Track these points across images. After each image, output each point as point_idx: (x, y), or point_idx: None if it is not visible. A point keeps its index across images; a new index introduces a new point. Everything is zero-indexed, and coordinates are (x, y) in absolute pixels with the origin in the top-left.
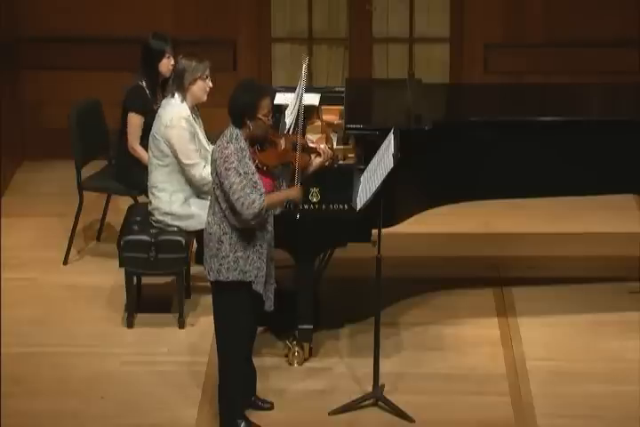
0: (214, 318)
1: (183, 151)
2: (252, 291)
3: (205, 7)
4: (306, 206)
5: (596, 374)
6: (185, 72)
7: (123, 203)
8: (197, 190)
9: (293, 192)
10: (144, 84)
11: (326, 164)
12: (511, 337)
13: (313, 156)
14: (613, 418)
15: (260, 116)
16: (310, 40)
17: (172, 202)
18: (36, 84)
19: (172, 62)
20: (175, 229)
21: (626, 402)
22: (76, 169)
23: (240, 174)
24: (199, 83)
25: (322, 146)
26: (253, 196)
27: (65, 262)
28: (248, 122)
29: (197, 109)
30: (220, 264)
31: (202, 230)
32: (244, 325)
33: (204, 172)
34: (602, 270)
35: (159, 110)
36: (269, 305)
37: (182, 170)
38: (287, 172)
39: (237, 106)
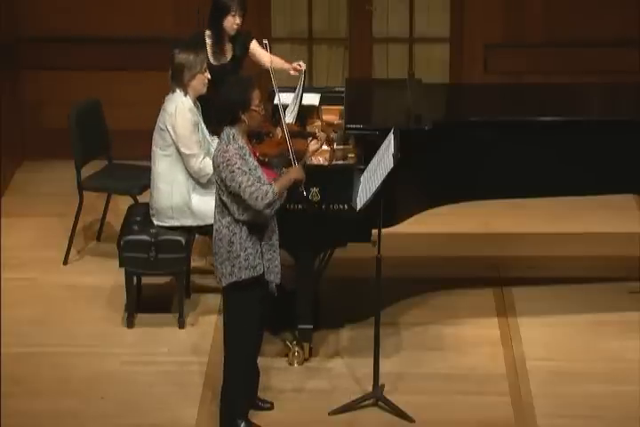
0: (225, 321)
1: (185, 141)
2: (262, 290)
3: (205, 7)
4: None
5: (596, 374)
6: (184, 68)
7: (123, 203)
8: (197, 181)
9: (295, 173)
10: (207, 33)
11: (323, 145)
12: (511, 337)
13: (309, 140)
14: (613, 418)
15: (253, 107)
16: (310, 40)
17: (173, 194)
18: (36, 84)
19: (238, 21)
20: (174, 223)
21: (626, 402)
22: (76, 169)
23: (246, 173)
24: (198, 77)
25: (315, 129)
26: (265, 187)
27: (65, 262)
28: (243, 116)
29: (198, 105)
30: (233, 265)
31: (201, 228)
32: (253, 325)
33: (202, 164)
34: (602, 270)
35: (164, 104)
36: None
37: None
38: (285, 161)
39: (230, 103)
